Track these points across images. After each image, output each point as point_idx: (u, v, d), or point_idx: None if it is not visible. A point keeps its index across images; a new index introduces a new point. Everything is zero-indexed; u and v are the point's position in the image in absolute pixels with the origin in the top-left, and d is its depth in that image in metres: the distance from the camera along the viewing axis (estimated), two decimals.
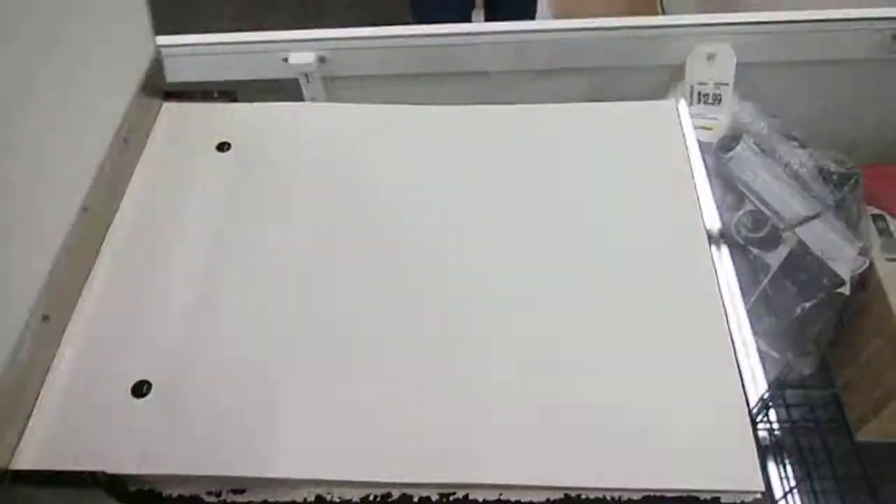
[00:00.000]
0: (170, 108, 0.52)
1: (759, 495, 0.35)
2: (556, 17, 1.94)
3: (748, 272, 0.68)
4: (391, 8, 1.32)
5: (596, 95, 0.73)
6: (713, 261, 0.44)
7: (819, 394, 0.76)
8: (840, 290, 0.67)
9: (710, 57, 0.70)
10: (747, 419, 0.37)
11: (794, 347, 0.71)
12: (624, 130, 0.51)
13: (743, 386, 0.38)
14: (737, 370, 0.39)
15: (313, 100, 0.75)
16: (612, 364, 0.39)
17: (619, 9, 2.03)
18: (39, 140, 0.38)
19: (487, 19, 1.55)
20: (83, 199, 0.42)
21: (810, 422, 0.78)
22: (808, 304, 0.68)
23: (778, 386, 0.72)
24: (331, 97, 0.76)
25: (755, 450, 0.36)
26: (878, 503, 0.79)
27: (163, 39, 0.71)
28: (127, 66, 0.49)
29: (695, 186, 0.47)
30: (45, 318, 0.38)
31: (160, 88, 0.52)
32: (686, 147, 0.50)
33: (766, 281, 0.68)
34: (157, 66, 0.51)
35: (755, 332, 0.42)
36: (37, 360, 0.38)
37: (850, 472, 0.80)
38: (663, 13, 1.96)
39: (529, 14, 1.50)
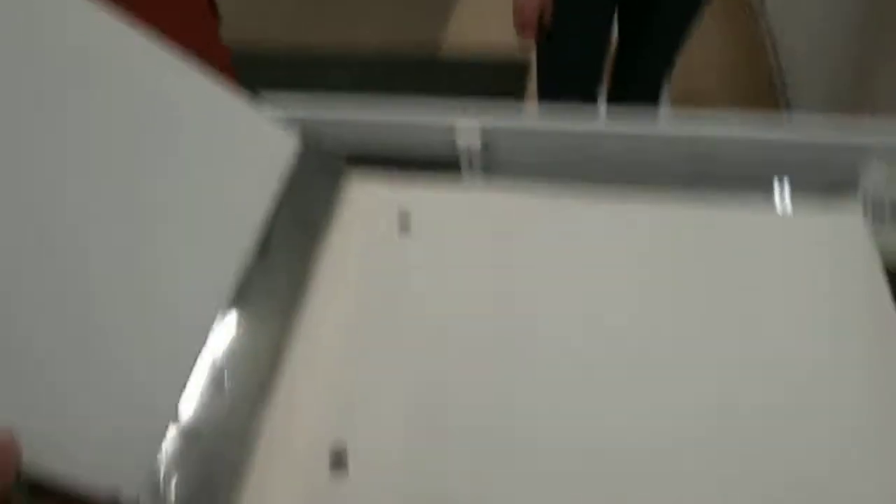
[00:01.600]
0: (354, 186, 0.55)
1: None
2: (672, 97, 1.94)
3: None
4: None
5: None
6: None
7: None
8: None
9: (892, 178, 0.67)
10: None
11: None
12: (805, 240, 0.50)
13: None
14: None
15: (471, 175, 0.78)
16: (800, 483, 0.38)
17: (735, 95, 2.01)
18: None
19: (610, 95, 1.56)
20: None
21: None
22: None
23: None
24: (488, 175, 0.78)
25: None
26: None
27: (338, 113, 0.76)
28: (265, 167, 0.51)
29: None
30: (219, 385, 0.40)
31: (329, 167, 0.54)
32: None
33: None
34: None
35: None
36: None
37: None
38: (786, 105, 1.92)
39: (656, 93, 1.51)
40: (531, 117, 0.76)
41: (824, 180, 0.73)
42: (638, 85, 1.51)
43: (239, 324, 0.42)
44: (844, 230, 0.51)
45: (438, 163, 0.80)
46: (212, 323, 0.41)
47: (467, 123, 0.74)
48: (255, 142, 0.51)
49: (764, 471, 0.39)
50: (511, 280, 0.49)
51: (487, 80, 1.71)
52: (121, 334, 0.36)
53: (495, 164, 0.78)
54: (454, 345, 0.45)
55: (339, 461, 0.39)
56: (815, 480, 0.39)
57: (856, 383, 0.42)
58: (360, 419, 0.41)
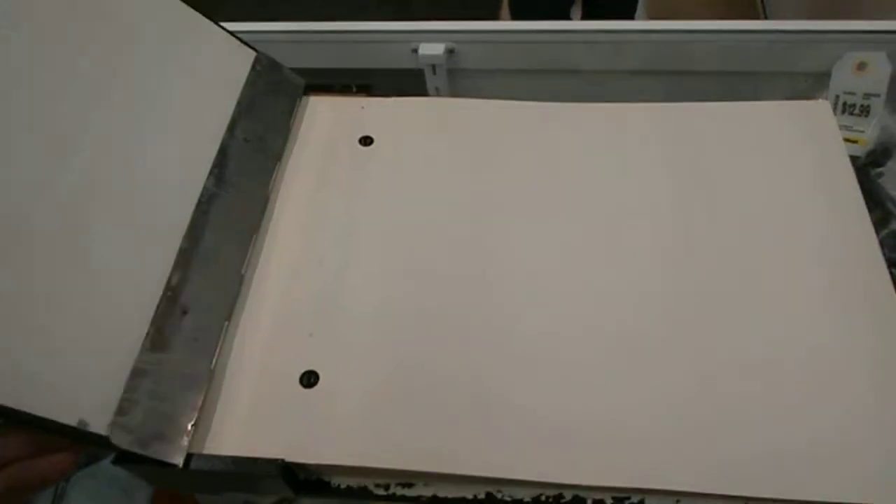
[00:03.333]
0: (312, 102, 0.52)
1: None
2: (651, 16, 1.90)
3: None
4: None
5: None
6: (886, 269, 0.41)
7: None
8: None
9: (861, 66, 0.66)
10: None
11: None
12: (776, 131, 0.49)
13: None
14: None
15: (437, 90, 0.75)
16: (780, 371, 0.37)
17: (716, 10, 1.98)
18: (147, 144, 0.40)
19: (585, 16, 1.53)
20: (199, 193, 0.42)
21: None
22: None
23: None
24: (453, 89, 0.75)
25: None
26: None
27: (293, 25, 0.73)
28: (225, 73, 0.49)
29: (860, 195, 0.45)
30: (184, 311, 0.38)
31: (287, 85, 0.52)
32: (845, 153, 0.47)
33: None
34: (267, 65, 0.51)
35: None
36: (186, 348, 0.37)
37: None
38: (764, 16, 1.90)
39: (630, 11, 1.47)
40: (499, 24, 0.73)
41: (798, 81, 0.72)
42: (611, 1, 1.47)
43: (200, 247, 0.40)
44: (813, 122, 0.50)
45: (403, 78, 0.77)
46: (175, 249, 0.39)
47: (431, 36, 0.71)
48: (211, 54, 0.48)
49: (739, 342, 0.39)
50: (479, 185, 0.47)
51: (457, 2, 1.66)
52: (85, 266, 0.34)
53: (461, 76, 0.75)
54: (422, 254, 0.43)
55: (309, 381, 0.38)
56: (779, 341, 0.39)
57: (818, 266, 0.42)
58: (331, 337, 0.40)
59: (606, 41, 0.72)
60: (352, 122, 0.51)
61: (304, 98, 0.52)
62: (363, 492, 0.36)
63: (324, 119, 0.51)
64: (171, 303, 0.37)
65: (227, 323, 0.39)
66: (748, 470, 0.34)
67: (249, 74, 0.49)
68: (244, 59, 0.50)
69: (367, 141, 0.50)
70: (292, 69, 0.53)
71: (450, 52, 0.71)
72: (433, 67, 0.72)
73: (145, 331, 0.35)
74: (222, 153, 0.44)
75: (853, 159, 0.66)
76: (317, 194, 0.47)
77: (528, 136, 0.50)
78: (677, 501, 0.34)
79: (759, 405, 0.36)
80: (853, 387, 0.36)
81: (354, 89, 0.55)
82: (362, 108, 0.52)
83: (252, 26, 0.71)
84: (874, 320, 0.39)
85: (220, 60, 0.48)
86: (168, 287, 0.37)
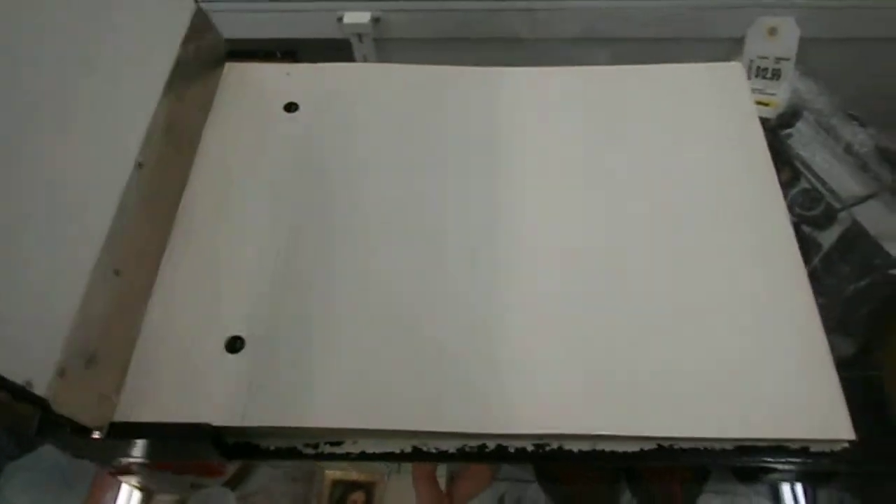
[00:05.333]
0: (235, 69, 0.51)
1: (846, 444, 0.35)
2: None
3: (800, 250, 0.68)
4: None
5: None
6: (791, 224, 0.44)
7: (862, 375, 0.76)
8: (893, 271, 0.67)
9: (772, 31, 0.69)
10: (833, 369, 0.37)
11: (840, 328, 0.71)
12: (690, 92, 0.51)
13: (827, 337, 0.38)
14: (820, 323, 0.39)
15: (364, 60, 0.75)
16: (701, 317, 0.39)
17: None
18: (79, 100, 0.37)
19: None
20: (136, 154, 0.40)
21: (850, 402, 0.78)
22: (858, 285, 0.68)
23: None
24: (381, 59, 0.75)
25: (843, 398, 0.36)
26: None
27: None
28: (166, 27, 0.47)
29: (768, 153, 0.47)
30: (117, 272, 0.37)
31: (216, 49, 0.51)
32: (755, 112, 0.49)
33: (817, 260, 0.68)
34: (202, 26, 0.50)
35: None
36: (117, 315, 0.37)
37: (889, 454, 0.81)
38: None
39: None
40: None
41: (718, 47, 0.74)
42: None
43: (129, 217, 0.39)
44: (726, 84, 0.52)
45: (330, 50, 0.76)
46: (109, 217, 0.38)
47: (356, 4, 0.71)
48: (154, 11, 0.46)
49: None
50: (406, 150, 0.47)
51: None
52: (23, 231, 0.33)
53: (390, 45, 0.75)
54: (345, 217, 0.44)
55: (234, 346, 0.38)
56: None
57: (726, 220, 0.44)
58: (257, 302, 0.40)
59: (538, 8, 0.72)
60: (276, 88, 0.50)
61: (228, 65, 0.51)
62: (293, 452, 0.37)
63: (247, 86, 0.51)
64: (106, 265, 0.36)
65: (153, 290, 0.39)
66: (659, 412, 0.36)
67: (188, 30, 0.47)
68: (182, 15, 0.47)
69: (291, 107, 0.49)
70: None
71: (375, 20, 0.71)
72: (359, 37, 0.72)
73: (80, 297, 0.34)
74: (157, 115, 0.42)
75: (766, 121, 0.70)
76: (239, 162, 0.46)
77: (454, 101, 0.50)
78: (595, 444, 0.36)
79: (667, 352, 0.38)
80: (759, 330, 0.38)
81: (279, 56, 0.54)
82: (287, 74, 0.52)
83: None
84: (778, 270, 0.41)
85: (157, 16, 0.46)
86: (103, 249, 0.36)
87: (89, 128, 0.38)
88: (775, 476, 0.83)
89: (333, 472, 0.97)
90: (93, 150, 0.38)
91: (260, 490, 0.93)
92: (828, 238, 0.68)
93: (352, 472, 0.95)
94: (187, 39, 0.47)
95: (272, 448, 0.37)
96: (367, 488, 0.96)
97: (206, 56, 0.49)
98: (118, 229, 0.38)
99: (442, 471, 0.58)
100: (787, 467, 0.37)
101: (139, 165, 0.40)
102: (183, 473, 0.90)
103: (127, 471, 0.46)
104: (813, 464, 0.36)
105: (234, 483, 0.91)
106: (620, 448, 0.36)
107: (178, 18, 0.48)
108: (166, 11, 0.47)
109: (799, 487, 0.81)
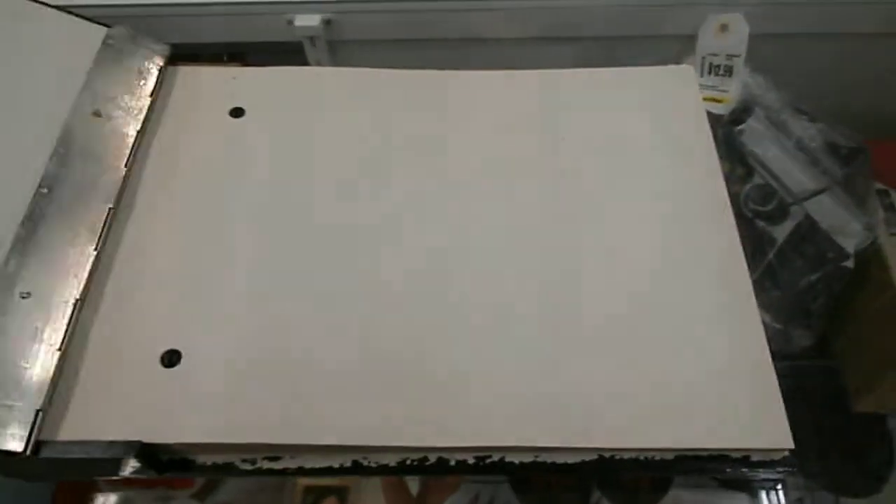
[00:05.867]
0: (178, 73, 0.50)
1: (786, 453, 0.35)
2: None
3: (755, 245, 0.69)
4: None
5: (596, 66, 0.73)
6: (736, 230, 0.44)
7: (817, 364, 0.77)
8: (845, 263, 0.67)
9: (723, 27, 0.69)
10: (774, 377, 0.37)
11: (796, 320, 0.71)
12: (640, 95, 0.51)
13: (767, 338, 0.38)
14: (761, 329, 0.39)
15: (318, 64, 0.74)
16: (639, 327, 0.39)
17: None
18: None
19: None
20: (38, 179, 0.40)
21: (807, 393, 0.79)
22: (812, 278, 0.68)
23: (777, 357, 0.73)
24: (336, 62, 0.74)
25: (783, 407, 0.36)
26: (869, 473, 0.82)
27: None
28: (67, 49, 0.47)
29: (716, 154, 0.47)
30: (25, 294, 0.37)
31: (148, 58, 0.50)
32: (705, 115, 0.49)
33: (772, 254, 0.69)
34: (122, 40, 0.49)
35: (760, 305, 0.43)
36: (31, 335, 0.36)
37: (843, 444, 0.82)
38: None
39: None
40: None
41: (671, 44, 0.75)
42: None
43: (40, 232, 0.38)
44: (676, 87, 0.52)
45: (283, 54, 0.75)
46: (10, 237, 0.37)
47: (306, 7, 0.70)
48: (47, 36, 0.46)
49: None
50: (355, 156, 0.47)
51: None
52: None
53: (343, 48, 0.74)
54: (288, 227, 0.43)
55: (171, 360, 0.37)
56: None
57: (671, 223, 0.43)
58: (194, 316, 0.39)
59: (498, 8, 0.72)
60: (221, 92, 0.49)
61: (172, 69, 0.50)
62: (229, 468, 0.36)
63: (192, 90, 0.50)
64: (7, 290, 0.35)
65: (78, 304, 0.38)
66: (599, 423, 0.35)
67: (100, 50, 0.47)
68: (92, 36, 0.47)
69: (238, 112, 0.48)
70: None
71: (327, 22, 0.70)
72: (311, 39, 0.71)
73: None
74: (67, 133, 0.42)
75: (718, 118, 0.70)
76: (184, 168, 0.45)
77: (406, 105, 0.49)
78: (536, 456, 0.36)
79: (606, 363, 0.38)
80: (699, 338, 0.38)
81: (225, 59, 0.53)
82: (233, 78, 0.51)
83: (117, 1, 0.68)
84: (719, 276, 0.41)
85: (60, 40, 0.46)
86: (3, 275, 0.35)
87: None
88: (757, 483, 0.84)
89: (305, 478, 0.96)
90: None
91: (230, 500, 0.92)
92: (782, 232, 0.69)
93: (323, 477, 0.94)
94: (102, 57, 0.47)
95: (208, 464, 0.36)
96: (340, 493, 0.95)
97: (131, 68, 0.48)
98: (24, 252, 0.37)
99: None
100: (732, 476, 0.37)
101: (45, 188, 0.40)
102: (151, 486, 0.89)
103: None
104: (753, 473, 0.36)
105: (203, 494, 0.90)
106: (561, 459, 0.36)
107: (83, 39, 0.48)
108: (67, 34, 0.47)
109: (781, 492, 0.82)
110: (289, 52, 0.73)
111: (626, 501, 0.87)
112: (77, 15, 0.48)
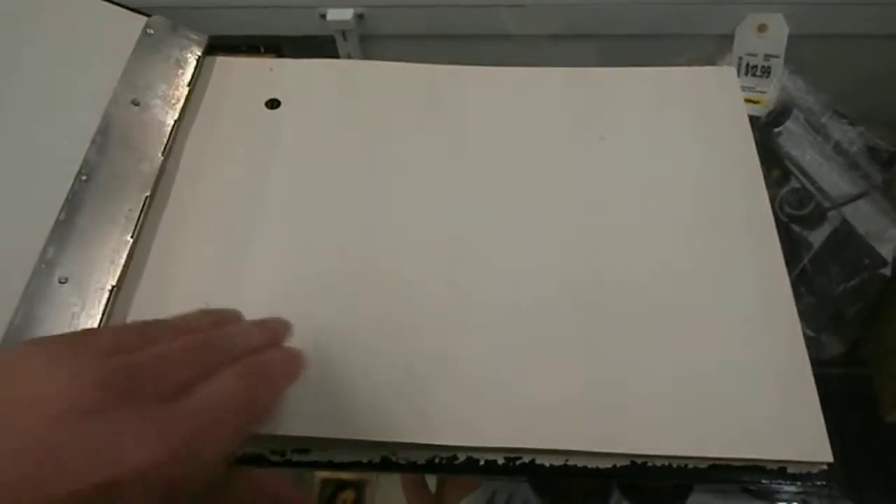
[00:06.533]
0: (215, 64, 0.51)
1: (825, 466, 0.35)
2: None
3: (790, 250, 0.67)
4: None
5: (631, 64, 0.72)
6: (776, 235, 0.43)
7: (850, 373, 0.76)
8: (882, 270, 0.66)
9: (762, 27, 0.68)
10: (813, 387, 0.36)
11: (830, 327, 0.70)
12: (682, 95, 0.50)
13: (809, 354, 0.37)
14: (801, 337, 0.38)
15: (349, 58, 0.74)
16: (672, 328, 0.38)
17: None
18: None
19: None
20: (77, 167, 0.41)
21: (840, 401, 0.78)
22: (848, 284, 0.67)
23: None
24: (367, 56, 0.74)
25: (822, 419, 0.35)
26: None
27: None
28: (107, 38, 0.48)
29: (758, 159, 0.46)
30: (63, 280, 0.37)
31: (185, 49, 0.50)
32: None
33: (807, 259, 0.67)
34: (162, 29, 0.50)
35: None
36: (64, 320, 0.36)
37: (873, 453, 0.80)
38: None
39: None
40: None
41: (707, 44, 0.73)
42: None
43: (79, 219, 0.39)
44: (718, 88, 0.51)
45: (314, 47, 0.75)
46: (50, 223, 0.37)
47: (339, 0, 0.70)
48: (88, 25, 0.46)
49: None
50: (390, 149, 0.47)
51: None
52: None
53: (374, 42, 0.74)
54: (326, 220, 0.43)
55: None
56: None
57: (714, 231, 0.43)
58: (229, 307, 0.40)
59: (526, 4, 0.71)
60: (258, 83, 0.50)
61: (210, 59, 0.50)
62: (259, 459, 0.36)
63: (229, 80, 0.50)
64: (46, 275, 0.35)
65: (114, 291, 0.38)
66: (633, 428, 0.35)
67: (140, 39, 0.47)
68: (131, 25, 0.48)
69: (273, 104, 0.49)
70: None
71: (359, 16, 0.70)
72: (343, 34, 0.71)
73: (16, 304, 0.34)
74: (106, 121, 0.42)
75: (755, 119, 0.69)
76: (219, 158, 0.45)
77: (438, 99, 0.49)
78: (567, 460, 0.35)
79: (644, 368, 0.37)
80: (737, 345, 0.38)
81: (262, 50, 0.53)
82: (270, 69, 0.51)
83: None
84: (758, 283, 0.40)
85: (100, 30, 0.46)
86: (42, 260, 0.36)
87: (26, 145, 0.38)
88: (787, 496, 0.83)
89: (322, 471, 0.96)
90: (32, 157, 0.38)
91: None
92: (818, 237, 0.68)
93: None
94: (141, 46, 0.47)
95: (238, 454, 0.36)
96: (358, 487, 0.96)
97: (169, 57, 0.48)
98: (62, 239, 0.37)
99: None
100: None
101: (84, 175, 0.40)
102: None
103: None
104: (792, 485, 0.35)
105: None
106: (593, 463, 0.35)
107: (122, 28, 0.48)
108: (107, 24, 0.48)
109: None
110: (320, 46, 0.73)
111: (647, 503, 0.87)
112: (117, 3, 0.48)
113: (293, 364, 0.30)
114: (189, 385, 0.24)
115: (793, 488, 0.36)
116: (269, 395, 0.28)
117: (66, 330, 0.36)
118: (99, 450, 0.21)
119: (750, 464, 0.35)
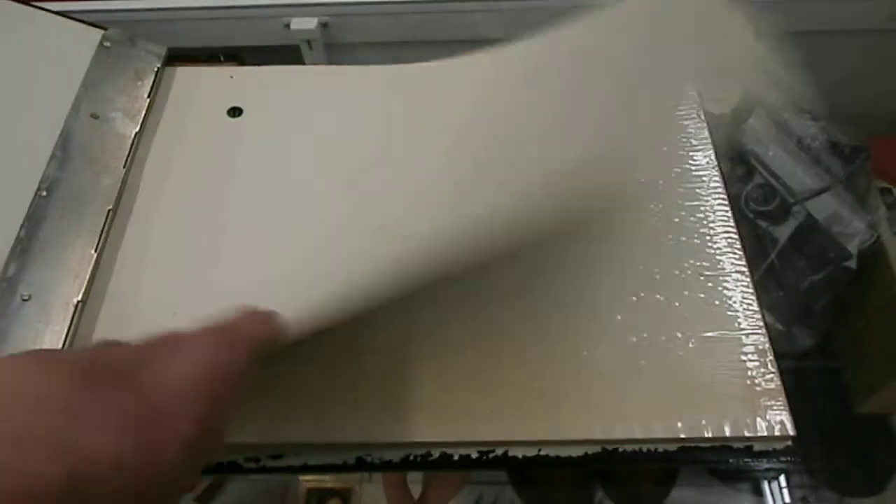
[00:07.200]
0: (175, 73, 0.50)
1: (789, 442, 0.35)
2: None
3: (757, 246, 0.68)
4: None
5: None
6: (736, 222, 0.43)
7: (820, 365, 0.77)
8: (847, 263, 0.67)
9: None
10: (775, 366, 0.37)
11: (799, 320, 0.71)
12: None
13: (768, 332, 0.38)
14: (761, 319, 0.38)
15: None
16: (636, 318, 0.39)
17: None
18: None
19: None
20: (37, 182, 0.40)
21: (810, 393, 0.79)
22: (815, 278, 0.68)
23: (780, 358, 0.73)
24: (333, 64, 0.74)
25: (784, 395, 0.36)
26: (872, 473, 0.82)
27: (163, 2, 0.70)
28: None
29: (715, 155, 0.47)
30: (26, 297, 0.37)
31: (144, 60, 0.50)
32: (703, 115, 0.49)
33: (774, 254, 0.68)
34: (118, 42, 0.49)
35: (762, 306, 0.43)
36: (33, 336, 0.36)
37: (846, 444, 0.82)
38: None
39: None
40: None
41: None
42: None
43: (41, 234, 0.38)
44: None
45: (280, 56, 0.75)
46: (10, 239, 0.37)
47: (303, 10, 0.70)
48: (43, 40, 0.46)
49: None
50: (352, 153, 0.47)
51: None
52: None
53: (340, 51, 0.74)
54: (291, 227, 0.43)
55: None
56: None
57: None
58: (196, 316, 0.39)
59: (494, 9, 0.72)
60: (220, 92, 0.49)
61: (170, 69, 0.50)
62: (233, 466, 0.35)
63: (190, 90, 0.49)
64: (8, 293, 0.35)
65: (79, 306, 0.37)
66: (601, 415, 0.35)
67: (97, 52, 0.47)
68: (88, 39, 0.47)
69: (235, 112, 0.48)
70: None
71: (324, 25, 0.70)
72: (308, 43, 0.71)
73: None
74: (66, 135, 0.42)
75: (721, 117, 0.70)
76: (182, 168, 0.45)
77: (399, 100, 0.49)
78: (539, 450, 0.35)
79: (608, 354, 0.37)
80: (699, 329, 0.38)
81: (222, 59, 0.53)
82: (231, 77, 0.51)
83: (113, 5, 0.68)
84: (717, 271, 0.41)
85: (56, 44, 0.46)
86: (3, 278, 0.35)
87: None
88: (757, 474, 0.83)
89: (304, 475, 0.96)
90: None
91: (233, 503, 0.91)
92: (784, 232, 0.69)
93: (327, 480, 0.94)
94: (98, 59, 0.47)
95: (213, 463, 0.35)
96: (343, 495, 0.95)
97: (128, 69, 0.48)
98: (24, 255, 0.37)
99: (417, 476, 0.58)
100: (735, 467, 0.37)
101: (45, 191, 0.40)
102: None
103: None
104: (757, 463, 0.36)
105: (206, 498, 0.89)
106: (565, 452, 0.35)
107: (79, 42, 0.48)
108: (64, 38, 0.48)
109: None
110: (285, 55, 0.73)
111: (629, 502, 0.87)
112: (74, 18, 0.48)
113: (260, 322, 0.28)
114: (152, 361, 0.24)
115: (773, 465, 0.37)
116: (236, 354, 0.26)
117: (31, 347, 0.35)
118: (61, 439, 0.21)
119: (717, 444, 0.35)
